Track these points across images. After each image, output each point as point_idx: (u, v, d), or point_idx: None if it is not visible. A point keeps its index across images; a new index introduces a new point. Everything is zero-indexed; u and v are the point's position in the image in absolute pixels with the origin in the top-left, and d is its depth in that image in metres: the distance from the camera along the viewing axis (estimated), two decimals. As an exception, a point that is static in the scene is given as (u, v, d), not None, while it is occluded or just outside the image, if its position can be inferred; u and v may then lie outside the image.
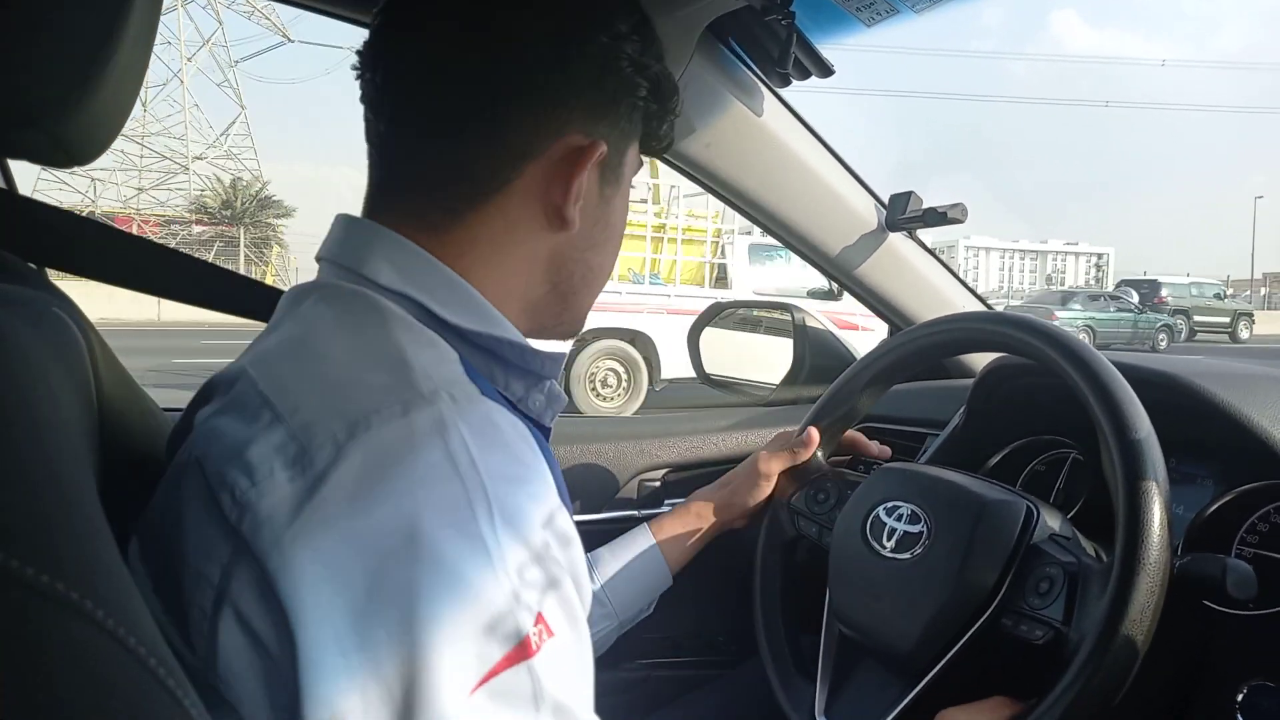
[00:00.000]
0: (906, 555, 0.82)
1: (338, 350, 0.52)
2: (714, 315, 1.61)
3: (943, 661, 0.78)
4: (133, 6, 0.56)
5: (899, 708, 0.80)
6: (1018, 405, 1.05)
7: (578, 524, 1.29)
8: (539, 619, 0.44)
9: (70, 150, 0.60)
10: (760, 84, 1.11)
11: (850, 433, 1.07)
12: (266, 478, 0.44)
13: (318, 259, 0.61)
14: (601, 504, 1.26)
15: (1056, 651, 0.72)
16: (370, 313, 0.54)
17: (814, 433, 1.02)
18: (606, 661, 1.27)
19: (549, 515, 0.48)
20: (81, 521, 0.33)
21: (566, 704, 0.45)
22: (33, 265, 0.74)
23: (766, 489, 1.03)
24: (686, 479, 1.32)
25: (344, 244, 0.59)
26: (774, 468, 1.02)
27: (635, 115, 0.63)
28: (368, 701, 0.41)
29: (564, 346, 0.73)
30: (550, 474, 0.51)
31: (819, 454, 1.03)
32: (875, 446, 1.09)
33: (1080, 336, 0.83)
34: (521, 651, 0.43)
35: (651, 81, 0.62)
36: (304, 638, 0.41)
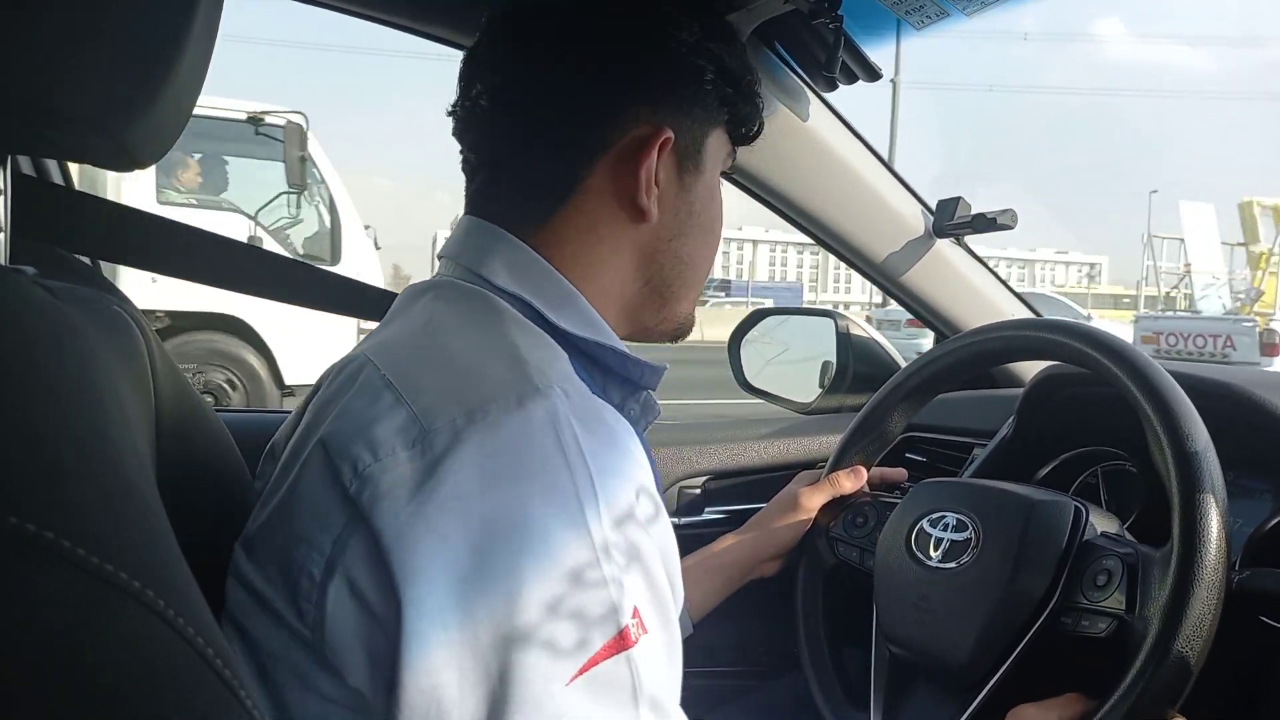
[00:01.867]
0: (955, 564, 0.80)
1: (457, 342, 0.54)
2: (754, 323, 1.60)
3: (1001, 670, 0.76)
4: (198, 10, 0.57)
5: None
6: (1069, 415, 1.02)
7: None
8: (635, 612, 0.45)
9: (134, 153, 0.62)
10: (806, 89, 1.10)
11: (877, 469, 1.06)
12: (389, 454, 0.46)
13: (439, 256, 0.64)
14: None
15: (1121, 642, 0.70)
16: (487, 310, 0.57)
17: (861, 469, 1.02)
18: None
19: (650, 512, 0.50)
20: (142, 511, 0.34)
21: (662, 700, 0.47)
22: (86, 260, 0.76)
23: (806, 524, 1.01)
24: (727, 487, 1.31)
25: (465, 244, 0.62)
26: (815, 501, 1.01)
27: (707, 100, 0.64)
28: (464, 676, 0.42)
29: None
30: (655, 476, 0.53)
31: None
32: (897, 472, 1.09)
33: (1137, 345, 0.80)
34: (621, 642, 0.44)
35: (716, 64, 0.63)
36: (409, 608, 0.42)
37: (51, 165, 0.99)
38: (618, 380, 0.62)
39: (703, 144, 0.64)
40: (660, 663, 0.47)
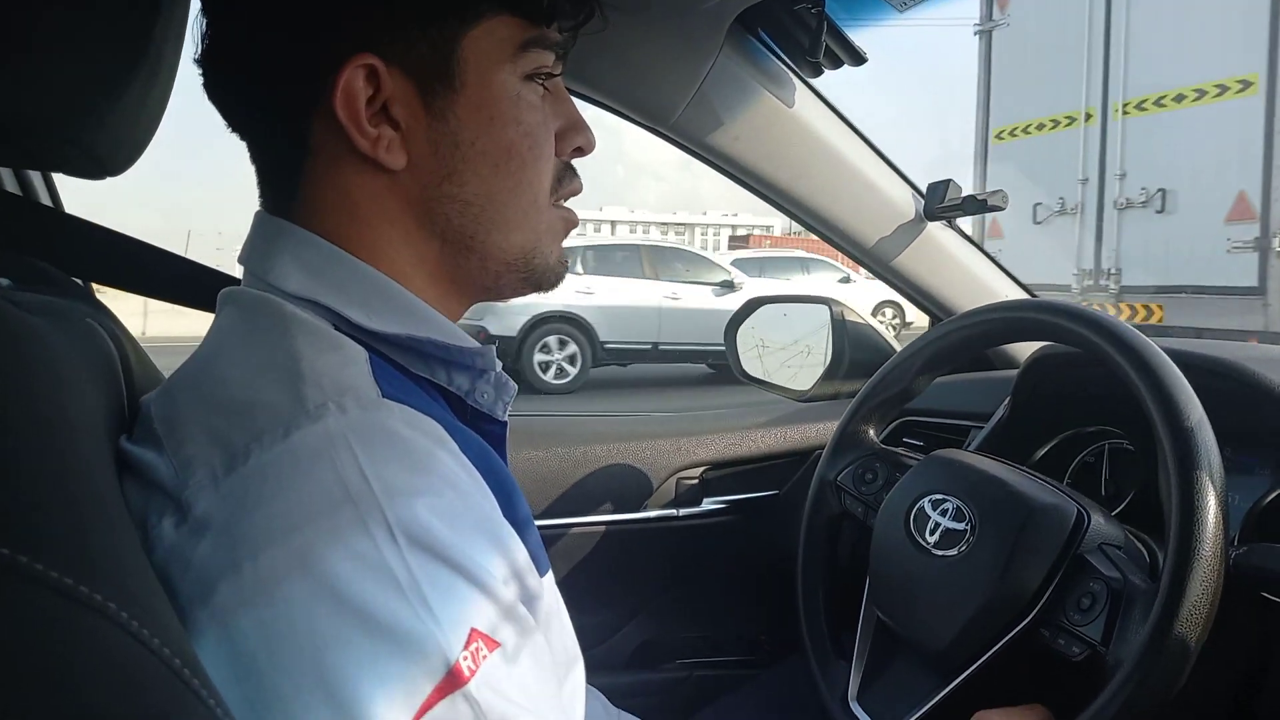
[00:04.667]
0: (948, 552, 0.80)
1: (232, 368, 0.48)
2: (751, 311, 1.59)
3: (977, 664, 0.76)
4: (157, 18, 0.57)
5: (930, 703, 0.78)
6: (1065, 395, 1.02)
7: (616, 523, 1.28)
8: (472, 636, 0.39)
9: (102, 161, 0.62)
10: (792, 75, 1.09)
11: None
12: (156, 525, 0.42)
13: (239, 261, 0.56)
14: (640, 502, 1.26)
15: (1091, 671, 0.69)
16: (273, 323, 0.49)
17: None
18: (648, 661, 1.27)
19: (470, 524, 0.43)
20: (108, 524, 0.33)
21: (518, 716, 0.41)
22: (77, 280, 0.76)
23: None
24: (725, 476, 1.31)
25: (252, 247, 0.54)
26: None
27: None
28: None
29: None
30: (473, 477, 0.46)
31: (870, 432, 1.00)
32: None
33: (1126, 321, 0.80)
34: (453, 680, 0.38)
35: None
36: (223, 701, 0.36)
37: (38, 183, 0.99)
38: (459, 367, 0.54)
39: (451, 52, 0.51)
40: (521, 677, 0.42)
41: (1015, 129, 6.67)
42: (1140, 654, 0.64)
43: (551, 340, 8.48)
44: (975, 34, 6.84)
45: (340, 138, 0.50)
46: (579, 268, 8.71)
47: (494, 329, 8.02)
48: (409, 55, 0.50)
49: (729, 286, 9.11)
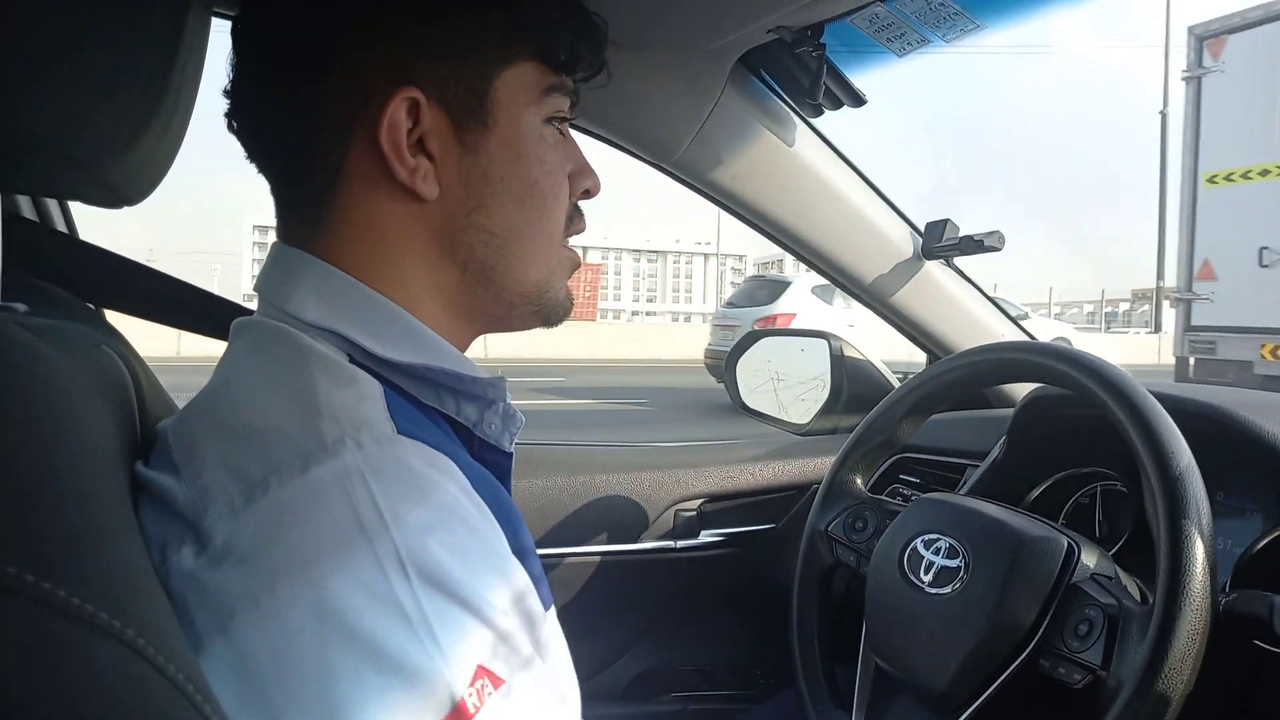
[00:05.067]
0: (944, 590, 0.81)
1: (249, 399, 0.48)
2: (751, 343, 1.60)
3: (979, 700, 0.76)
4: (178, 54, 0.58)
5: None
6: (1060, 436, 1.03)
7: (612, 554, 1.29)
8: (479, 673, 0.40)
9: (121, 191, 0.63)
10: (792, 114, 1.11)
11: None
12: (175, 551, 0.42)
13: (254, 290, 0.57)
14: (637, 534, 1.26)
15: (1094, 696, 0.70)
16: (291, 354, 0.50)
17: None
18: (643, 694, 1.27)
19: (480, 560, 0.44)
20: (117, 548, 0.34)
21: None
22: (90, 305, 0.77)
23: None
24: (723, 509, 1.32)
25: (270, 277, 0.55)
26: None
27: (474, 37, 0.54)
28: None
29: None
30: (484, 513, 0.47)
31: (858, 481, 1.02)
32: None
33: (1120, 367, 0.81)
34: (457, 716, 0.39)
35: None
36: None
37: (54, 211, 1.00)
38: (468, 397, 0.55)
39: (485, 91, 0.54)
40: (524, 712, 0.42)
41: (1232, 174, 6.65)
42: (1141, 672, 0.65)
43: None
44: (1183, 80, 6.86)
45: (376, 166, 0.53)
46: (836, 301, 9.21)
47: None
48: (446, 91, 0.53)
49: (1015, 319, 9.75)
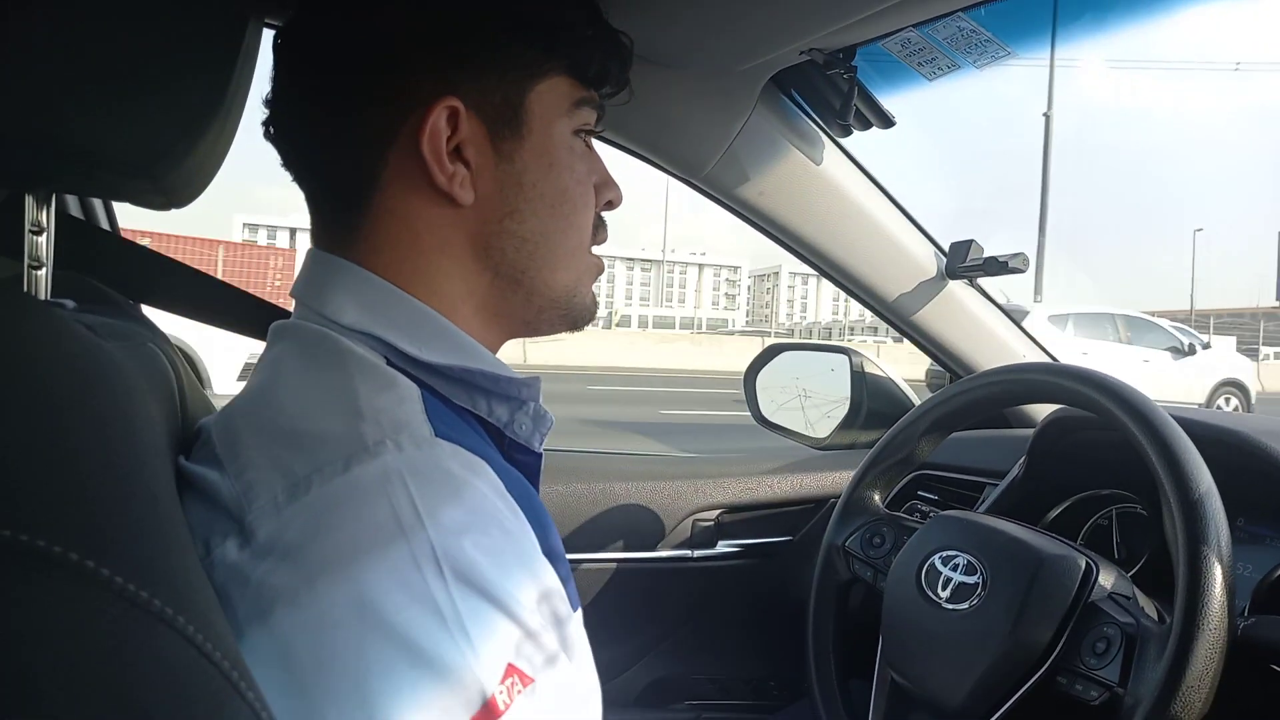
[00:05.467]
0: (961, 606, 0.81)
1: (293, 399, 0.50)
2: (770, 358, 1.62)
3: (995, 716, 0.77)
4: (236, 65, 0.61)
5: None
6: (1080, 457, 1.03)
7: (630, 561, 1.30)
8: (509, 671, 0.41)
9: (170, 195, 0.65)
10: (821, 133, 1.13)
11: None
12: (219, 544, 0.43)
13: (291, 295, 0.59)
14: (655, 542, 1.28)
15: (1111, 714, 0.70)
16: (331, 356, 0.52)
17: None
18: (657, 701, 1.28)
19: (513, 561, 0.45)
20: (171, 538, 0.35)
21: None
22: (130, 300, 0.80)
23: None
24: (741, 520, 1.33)
25: (308, 282, 0.57)
26: None
27: (512, 50, 0.56)
28: None
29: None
30: (517, 515, 0.48)
31: (876, 498, 1.03)
32: None
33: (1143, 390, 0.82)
34: (488, 713, 0.40)
35: (509, 6, 0.56)
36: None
37: (98, 209, 1.03)
38: (500, 398, 0.57)
39: (520, 102, 0.56)
40: (551, 711, 0.43)
41: None
42: (1159, 691, 0.66)
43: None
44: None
45: (414, 173, 0.54)
46: (1069, 328, 10.17)
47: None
48: (484, 102, 0.55)
49: (1179, 351, 10.55)
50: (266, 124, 0.59)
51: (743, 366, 1.63)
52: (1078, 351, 9.49)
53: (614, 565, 1.24)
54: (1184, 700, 0.65)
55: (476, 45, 0.55)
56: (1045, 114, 19.92)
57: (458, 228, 0.56)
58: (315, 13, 0.57)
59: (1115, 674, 0.71)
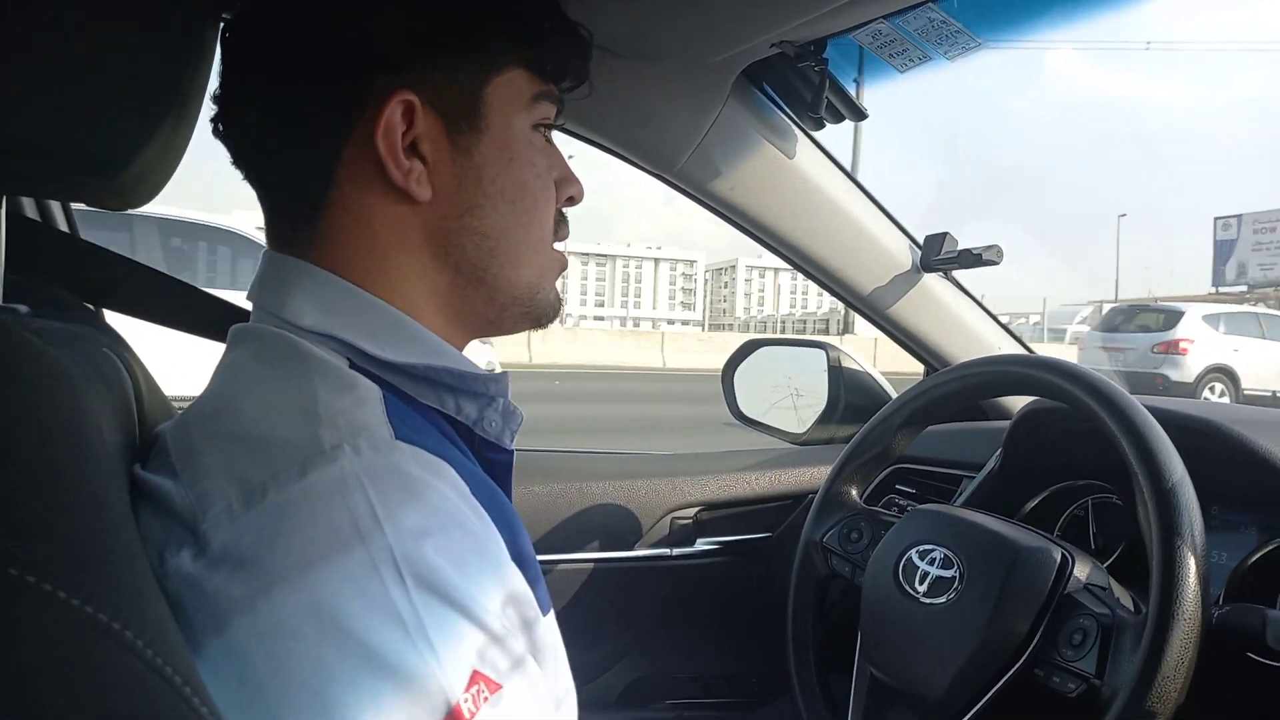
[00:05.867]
0: (938, 600, 0.81)
1: (249, 405, 0.49)
2: (747, 353, 1.61)
3: (974, 710, 0.77)
4: (189, 61, 0.59)
5: None
6: (1055, 448, 1.04)
7: (607, 561, 1.29)
8: (475, 678, 0.40)
9: (127, 195, 0.64)
10: (794, 126, 1.12)
11: None
12: (173, 556, 0.42)
13: (248, 299, 0.57)
14: (633, 541, 1.27)
15: (1089, 705, 0.70)
16: (289, 359, 0.50)
17: None
18: (637, 701, 1.27)
19: (476, 565, 0.44)
20: (121, 551, 0.34)
21: None
22: (89, 305, 0.78)
23: None
24: (719, 517, 1.32)
25: (264, 285, 0.56)
26: None
27: (468, 44, 0.55)
28: None
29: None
30: (481, 517, 0.47)
31: (853, 492, 1.03)
32: None
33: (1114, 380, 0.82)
34: None
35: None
36: None
37: (56, 212, 1.01)
38: (468, 395, 0.56)
39: (478, 96, 0.55)
40: (523, 714, 0.43)
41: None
42: (1135, 681, 0.66)
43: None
44: None
45: (370, 169, 0.53)
46: (1221, 327, 11.21)
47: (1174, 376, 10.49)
48: (440, 96, 0.54)
49: None
50: (215, 120, 0.57)
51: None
52: (1229, 348, 10.87)
53: (591, 565, 1.23)
54: (1159, 691, 0.65)
55: (432, 38, 0.54)
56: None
57: (415, 225, 0.55)
58: (265, 5, 0.55)
59: (1092, 665, 0.71)
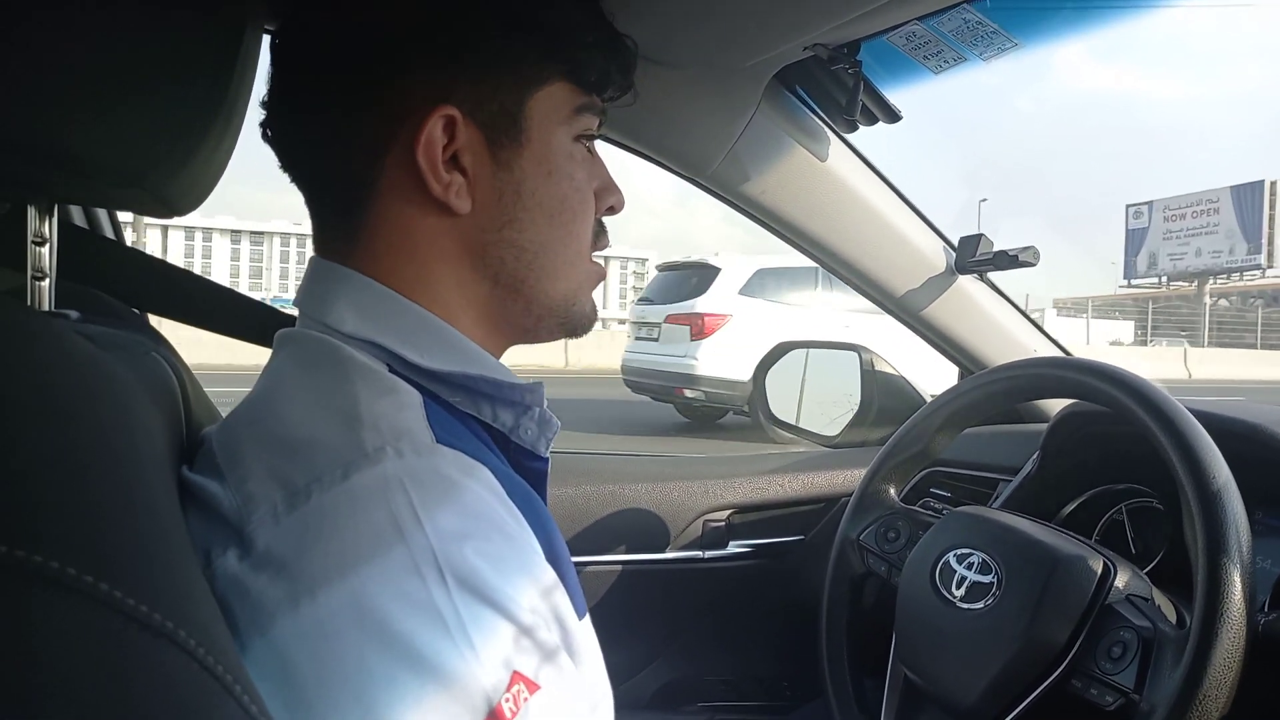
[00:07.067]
0: (976, 606, 0.80)
1: (293, 407, 0.49)
2: (779, 355, 1.60)
3: (1008, 718, 0.76)
4: (234, 71, 0.60)
5: None
6: (1094, 452, 1.02)
7: (641, 563, 1.29)
8: (515, 679, 0.41)
9: (172, 203, 0.65)
10: (827, 129, 1.12)
11: None
12: (219, 557, 0.43)
13: (294, 304, 0.59)
14: (665, 544, 1.27)
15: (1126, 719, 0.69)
16: (332, 364, 0.51)
17: None
18: (669, 703, 1.27)
19: (515, 567, 0.45)
20: (171, 553, 0.35)
21: None
22: (135, 310, 0.80)
23: None
24: (751, 520, 1.32)
25: (309, 291, 0.57)
26: None
27: (510, 57, 0.55)
28: None
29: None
30: (519, 520, 0.47)
31: (891, 491, 1.02)
32: None
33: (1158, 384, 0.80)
34: None
35: (508, 12, 0.55)
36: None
37: (103, 218, 1.03)
38: (505, 404, 0.56)
39: (519, 110, 0.55)
40: (560, 715, 0.43)
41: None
42: (1174, 700, 0.64)
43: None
44: None
45: (411, 181, 0.54)
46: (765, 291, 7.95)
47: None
48: (482, 110, 0.55)
49: None
50: (264, 125, 0.58)
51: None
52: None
53: (625, 567, 1.23)
54: (1201, 709, 0.64)
55: (474, 52, 0.54)
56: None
57: (454, 237, 0.56)
58: (310, 15, 0.57)
59: (1131, 679, 0.70)
